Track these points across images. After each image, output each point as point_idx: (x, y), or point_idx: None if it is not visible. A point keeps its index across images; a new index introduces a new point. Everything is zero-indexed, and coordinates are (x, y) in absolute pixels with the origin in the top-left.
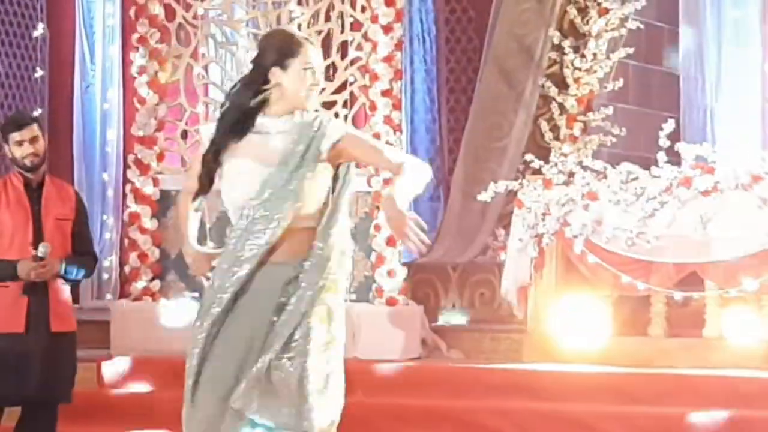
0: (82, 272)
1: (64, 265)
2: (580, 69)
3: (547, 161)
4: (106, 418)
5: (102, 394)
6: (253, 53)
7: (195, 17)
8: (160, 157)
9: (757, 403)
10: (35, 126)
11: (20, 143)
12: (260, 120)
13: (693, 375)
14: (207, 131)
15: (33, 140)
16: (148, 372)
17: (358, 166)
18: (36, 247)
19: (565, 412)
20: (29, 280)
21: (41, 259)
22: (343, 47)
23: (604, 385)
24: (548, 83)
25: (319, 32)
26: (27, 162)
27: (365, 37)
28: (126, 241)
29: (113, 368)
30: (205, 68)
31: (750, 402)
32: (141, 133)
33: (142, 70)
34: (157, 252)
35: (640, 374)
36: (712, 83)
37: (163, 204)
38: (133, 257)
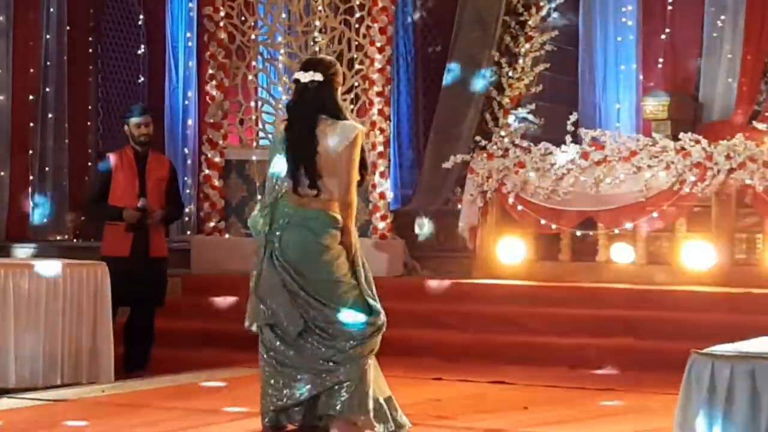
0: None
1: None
2: (512, 78)
3: (490, 141)
4: (189, 316)
5: (185, 300)
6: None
7: (249, 41)
8: (225, 137)
9: (635, 304)
10: (148, 115)
11: (138, 126)
12: None
13: (589, 286)
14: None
15: (147, 125)
16: (216, 283)
17: None
18: (139, 200)
19: (502, 312)
20: (132, 221)
21: (140, 209)
22: (350, 62)
23: (529, 294)
24: (491, 88)
25: (334, 52)
26: (140, 139)
27: (365, 55)
28: (201, 194)
29: (193, 281)
30: (255, 76)
31: (630, 305)
32: (211, 121)
33: (212, 77)
34: (222, 202)
35: (554, 286)
36: (600, 88)
37: (227, 169)
38: (206, 206)
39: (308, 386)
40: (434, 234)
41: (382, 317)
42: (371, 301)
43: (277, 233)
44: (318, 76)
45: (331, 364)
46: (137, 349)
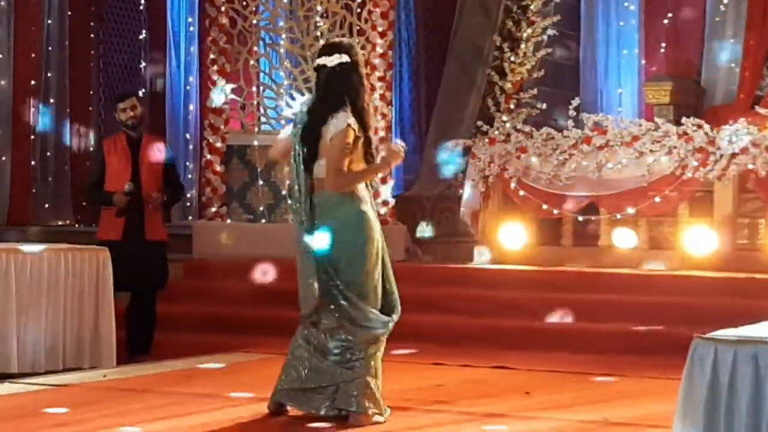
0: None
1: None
2: (514, 62)
3: (491, 126)
4: (190, 301)
5: (187, 284)
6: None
7: (250, 26)
8: (226, 122)
9: (637, 289)
10: (135, 98)
11: (124, 110)
12: None
13: (591, 271)
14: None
15: (133, 108)
16: (218, 268)
17: None
18: (126, 185)
19: (504, 297)
20: (121, 206)
21: (128, 193)
22: None
23: (530, 279)
24: (492, 72)
25: (336, 36)
26: (129, 123)
27: (367, 39)
28: (202, 179)
29: (194, 266)
30: (257, 61)
31: (632, 289)
32: (213, 106)
33: (213, 62)
34: (224, 187)
35: (555, 271)
36: (602, 72)
37: (228, 154)
38: (207, 191)
39: (320, 378)
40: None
41: (397, 317)
42: (393, 296)
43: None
44: (345, 58)
45: (345, 362)
46: (139, 333)
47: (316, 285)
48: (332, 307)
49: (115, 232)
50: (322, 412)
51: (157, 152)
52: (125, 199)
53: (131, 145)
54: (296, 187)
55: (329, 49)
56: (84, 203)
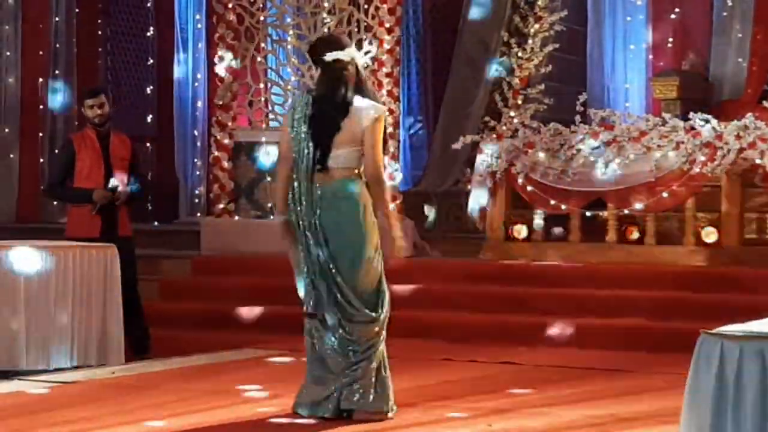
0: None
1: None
2: (521, 58)
3: (499, 121)
4: (198, 298)
5: (194, 280)
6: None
7: (258, 22)
8: (234, 118)
9: (644, 284)
10: (102, 95)
11: (92, 107)
12: None
13: (599, 266)
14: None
15: (101, 105)
16: (225, 264)
17: None
18: (107, 181)
19: (511, 293)
20: (101, 203)
21: (111, 189)
22: (359, 43)
23: (538, 274)
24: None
25: (343, 33)
26: (96, 120)
27: (374, 36)
28: (210, 176)
29: (202, 262)
30: (264, 57)
31: (639, 284)
32: (220, 103)
33: (221, 59)
34: (231, 184)
35: (563, 266)
36: (610, 68)
37: (236, 151)
38: (215, 187)
39: (334, 384)
40: (435, 222)
41: (387, 310)
42: (383, 289)
43: (317, 211)
44: (357, 54)
45: (351, 362)
46: (136, 331)
47: (303, 282)
48: (332, 304)
49: (91, 229)
50: (327, 415)
51: (126, 149)
52: (108, 195)
53: (101, 141)
54: (300, 185)
55: (340, 44)
56: (54, 200)
